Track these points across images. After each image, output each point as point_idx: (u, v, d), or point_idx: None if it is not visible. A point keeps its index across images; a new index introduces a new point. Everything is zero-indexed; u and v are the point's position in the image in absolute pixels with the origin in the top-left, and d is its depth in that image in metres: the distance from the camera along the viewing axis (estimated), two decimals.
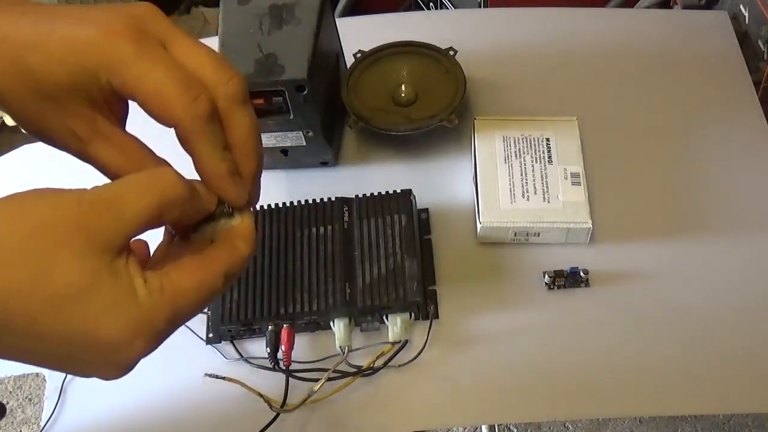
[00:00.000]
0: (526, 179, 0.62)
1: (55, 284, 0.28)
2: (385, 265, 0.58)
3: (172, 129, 0.34)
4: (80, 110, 0.33)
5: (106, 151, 0.34)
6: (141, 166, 0.34)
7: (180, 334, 0.59)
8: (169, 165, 0.35)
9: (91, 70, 0.32)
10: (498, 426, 1.12)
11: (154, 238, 0.36)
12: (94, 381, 0.59)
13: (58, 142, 0.35)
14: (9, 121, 1.19)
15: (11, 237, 0.28)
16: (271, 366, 0.56)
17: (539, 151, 0.63)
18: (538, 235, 0.61)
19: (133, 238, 0.31)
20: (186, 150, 0.34)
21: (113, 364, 0.31)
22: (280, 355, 0.56)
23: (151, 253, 0.36)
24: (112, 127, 0.35)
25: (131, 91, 0.32)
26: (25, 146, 0.75)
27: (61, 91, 0.33)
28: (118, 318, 0.29)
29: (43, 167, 0.69)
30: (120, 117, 0.36)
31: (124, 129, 0.36)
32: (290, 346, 0.56)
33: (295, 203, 0.61)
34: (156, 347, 0.32)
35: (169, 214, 0.32)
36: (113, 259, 0.30)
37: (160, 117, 0.33)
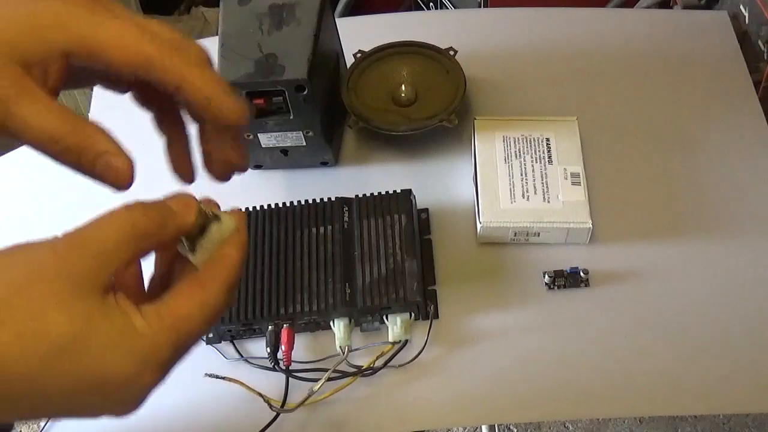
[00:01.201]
0: (526, 179, 0.62)
1: (48, 338, 0.27)
2: (385, 265, 0.57)
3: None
4: (6, 68, 0.30)
5: (37, 112, 0.30)
6: (78, 129, 0.31)
7: None
8: (102, 129, 0.32)
9: (49, 38, 0.30)
10: (498, 426, 1.11)
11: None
12: None
13: None
14: None
15: None
16: (271, 366, 0.56)
17: (539, 151, 0.63)
18: (538, 235, 0.61)
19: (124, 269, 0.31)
20: (173, 85, 0.33)
21: (124, 401, 0.30)
22: (280, 355, 0.56)
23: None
24: (42, 90, 0.31)
25: (96, 50, 0.31)
26: (25, 146, 0.75)
27: None
28: (122, 353, 0.29)
29: (42, 166, 0.69)
30: (53, 88, 0.32)
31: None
32: (290, 346, 0.56)
33: (295, 203, 0.61)
34: (165, 376, 0.31)
35: (147, 243, 0.31)
36: (101, 298, 0.29)
37: (132, 59, 0.31)
